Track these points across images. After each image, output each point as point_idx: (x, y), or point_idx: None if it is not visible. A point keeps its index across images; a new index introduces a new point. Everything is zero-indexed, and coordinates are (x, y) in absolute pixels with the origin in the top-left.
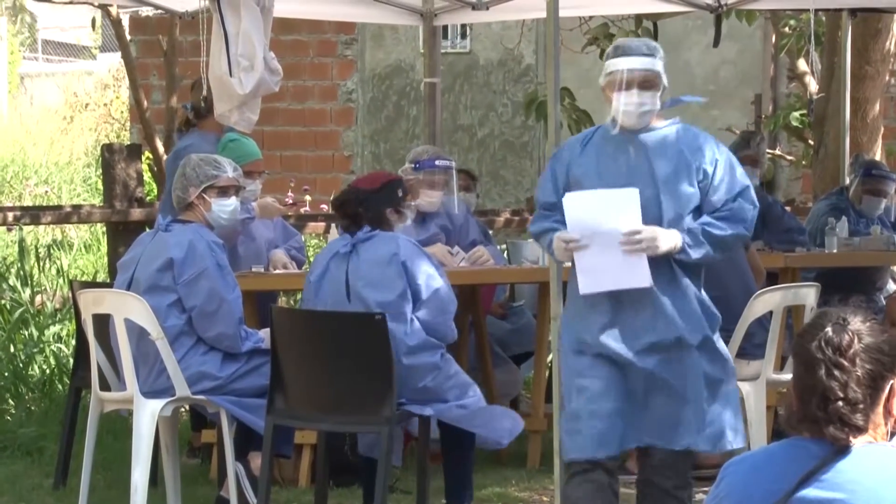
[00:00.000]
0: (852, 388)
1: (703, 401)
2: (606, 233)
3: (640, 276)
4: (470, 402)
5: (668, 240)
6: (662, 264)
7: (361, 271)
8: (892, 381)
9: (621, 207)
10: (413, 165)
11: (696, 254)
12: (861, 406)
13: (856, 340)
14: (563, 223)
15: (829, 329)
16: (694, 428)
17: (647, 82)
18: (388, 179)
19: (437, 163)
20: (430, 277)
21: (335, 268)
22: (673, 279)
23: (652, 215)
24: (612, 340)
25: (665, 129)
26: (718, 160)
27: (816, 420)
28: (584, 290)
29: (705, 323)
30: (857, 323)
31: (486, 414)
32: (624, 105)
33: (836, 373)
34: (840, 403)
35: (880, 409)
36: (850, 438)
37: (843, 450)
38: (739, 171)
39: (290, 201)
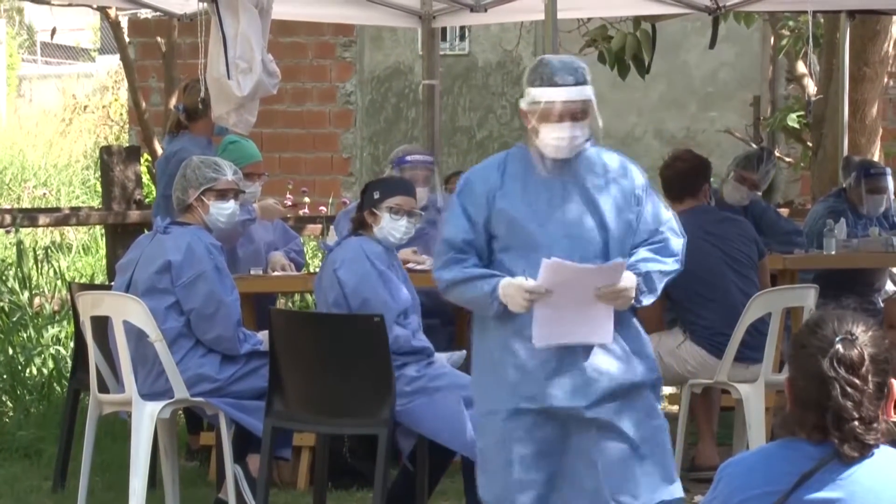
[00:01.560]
0: (867, 407)
1: (665, 448)
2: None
3: (603, 331)
4: (425, 406)
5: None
6: None
7: (321, 278)
8: (889, 383)
9: (606, 278)
10: (391, 166)
11: (646, 300)
12: (875, 424)
13: (866, 355)
14: (479, 265)
15: (839, 346)
16: (659, 479)
17: (581, 113)
18: (369, 182)
19: (407, 158)
20: (361, 286)
21: (320, 273)
22: (624, 316)
23: (596, 247)
24: (560, 392)
25: (589, 150)
26: (646, 187)
27: (823, 430)
28: (539, 342)
29: (655, 362)
30: (861, 334)
31: (446, 420)
32: (556, 140)
33: (851, 391)
34: (856, 423)
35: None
36: (862, 454)
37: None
38: (660, 197)
39: (290, 202)
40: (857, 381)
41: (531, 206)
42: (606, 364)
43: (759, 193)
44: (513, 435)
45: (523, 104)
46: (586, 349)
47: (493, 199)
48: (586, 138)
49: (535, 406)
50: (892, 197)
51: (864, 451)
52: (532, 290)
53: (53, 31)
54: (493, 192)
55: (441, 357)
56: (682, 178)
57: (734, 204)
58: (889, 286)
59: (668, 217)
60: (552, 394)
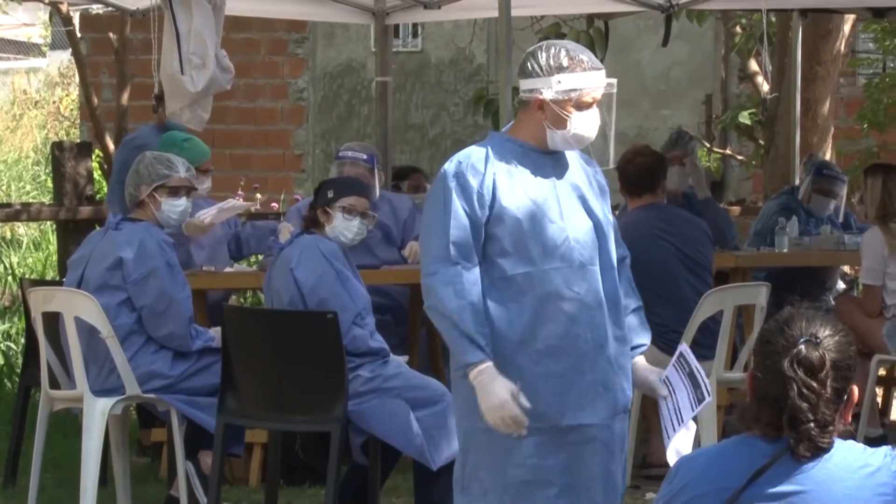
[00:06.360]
0: (822, 411)
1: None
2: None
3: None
4: (377, 408)
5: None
6: (612, 311)
7: (273, 277)
8: (850, 389)
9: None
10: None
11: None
12: (830, 428)
13: (827, 360)
14: (479, 282)
15: (802, 347)
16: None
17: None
18: (324, 181)
19: (340, 153)
20: (319, 286)
21: (270, 272)
22: (622, 334)
23: (593, 249)
24: (570, 409)
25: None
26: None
27: (779, 427)
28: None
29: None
30: (827, 339)
31: (398, 422)
32: (590, 128)
33: (807, 393)
34: (811, 425)
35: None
36: (815, 456)
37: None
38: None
39: (241, 197)
40: (814, 385)
41: (532, 206)
42: (613, 379)
43: (688, 171)
44: (516, 455)
45: (551, 93)
46: (593, 364)
47: (492, 197)
48: None
49: (543, 425)
50: (844, 199)
51: (818, 452)
52: (522, 424)
53: None
54: (488, 188)
55: (397, 358)
56: (642, 173)
57: (675, 189)
58: (840, 285)
59: (616, 228)
60: (561, 412)
